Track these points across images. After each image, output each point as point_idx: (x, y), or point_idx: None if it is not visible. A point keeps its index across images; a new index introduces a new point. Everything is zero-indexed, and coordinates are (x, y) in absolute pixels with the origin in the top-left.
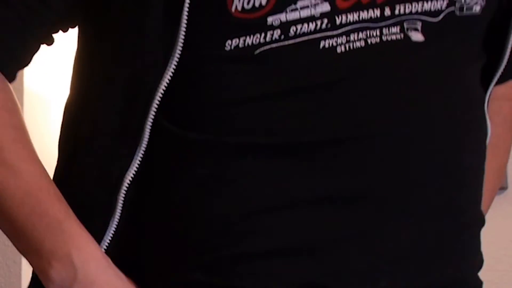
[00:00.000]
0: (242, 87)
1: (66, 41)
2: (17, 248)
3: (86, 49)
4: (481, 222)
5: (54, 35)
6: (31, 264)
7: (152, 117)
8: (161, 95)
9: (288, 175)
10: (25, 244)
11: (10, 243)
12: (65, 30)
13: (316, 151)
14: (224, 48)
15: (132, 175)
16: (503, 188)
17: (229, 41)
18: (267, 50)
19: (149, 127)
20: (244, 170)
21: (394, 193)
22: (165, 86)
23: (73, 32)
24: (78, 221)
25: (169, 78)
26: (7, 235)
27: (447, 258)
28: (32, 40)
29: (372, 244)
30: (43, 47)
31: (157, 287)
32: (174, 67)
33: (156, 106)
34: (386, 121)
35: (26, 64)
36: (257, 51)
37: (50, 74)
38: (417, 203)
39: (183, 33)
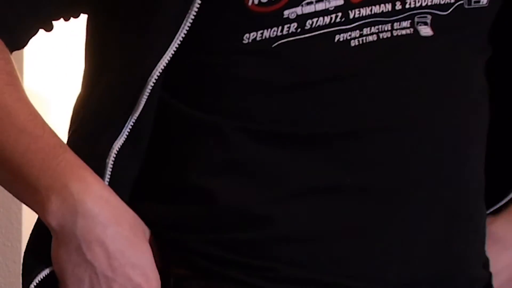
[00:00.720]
0: (259, 79)
1: (66, 41)
2: (15, 194)
3: (98, 29)
4: (484, 213)
5: (54, 23)
6: (30, 206)
7: (149, 91)
8: (159, 74)
9: (300, 164)
10: (23, 184)
11: (10, 243)
12: (67, 19)
13: (328, 143)
14: (242, 41)
15: (120, 145)
16: None
17: (247, 34)
18: (284, 43)
19: (145, 99)
20: (256, 157)
21: (402, 187)
22: (164, 66)
23: (74, 32)
24: (74, 154)
25: (168, 59)
26: (4, 182)
27: (451, 250)
28: (32, 21)
29: (380, 235)
30: (43, 47)
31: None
32: (173, 52)
33: (153, 83)
34: (395, 115)
35: (22, 46)
36: (275, 44)
37: (50, 74)
38: (422, 197)
39: (191, 19)
